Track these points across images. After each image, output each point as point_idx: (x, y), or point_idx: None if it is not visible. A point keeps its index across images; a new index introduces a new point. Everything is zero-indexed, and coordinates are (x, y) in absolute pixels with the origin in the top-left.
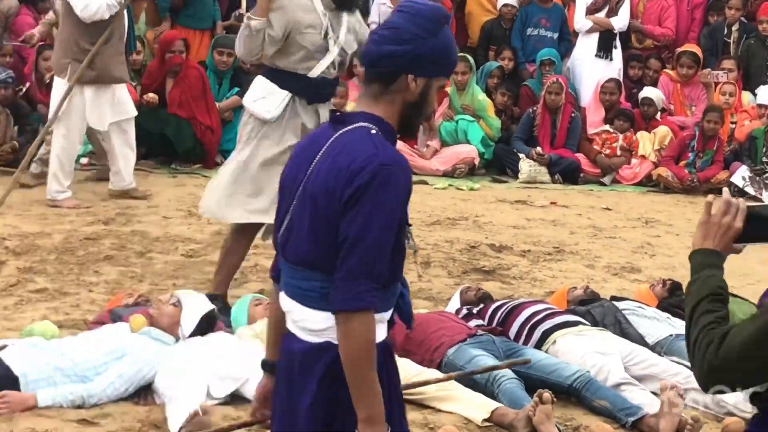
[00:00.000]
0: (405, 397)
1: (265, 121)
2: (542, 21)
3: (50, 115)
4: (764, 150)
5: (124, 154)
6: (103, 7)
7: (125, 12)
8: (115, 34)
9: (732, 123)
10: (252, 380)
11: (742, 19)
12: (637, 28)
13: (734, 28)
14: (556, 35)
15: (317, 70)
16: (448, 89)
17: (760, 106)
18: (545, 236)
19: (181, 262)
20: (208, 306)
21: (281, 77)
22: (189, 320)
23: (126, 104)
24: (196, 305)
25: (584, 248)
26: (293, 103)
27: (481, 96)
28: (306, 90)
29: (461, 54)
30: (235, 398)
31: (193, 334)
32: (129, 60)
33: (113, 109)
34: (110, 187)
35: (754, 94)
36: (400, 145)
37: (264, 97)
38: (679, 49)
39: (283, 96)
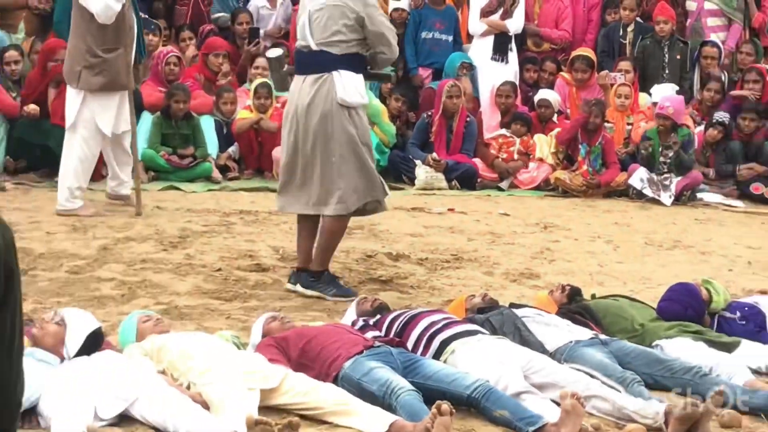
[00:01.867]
0: (301, 412)
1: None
2: (436, 24)
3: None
4: (660, 150)
5: (125, 161)
6: (111, 2)
7: (134, 22)
8: (125, 40)
9: (628, 124)
10: (142, 400)
11: (638, 19)
12: (534, 32)
13: (629, 29)
14: (450, 38)
15: None
16: None
17: (655, 104)
18: (443, 244)
19: (65, 279)
20: (94, 324)
21: (358, 64)
22: (74, 339)
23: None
24: (81, 323)
25: (483, 255)
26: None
27: (375, 101)
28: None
29: None
30: (123, 419)
31: (78, 354)
32: (139, 68)
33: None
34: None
35: (650, 94)
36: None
37: (355, 86)
38: (573, 54)
39: (361, 79)
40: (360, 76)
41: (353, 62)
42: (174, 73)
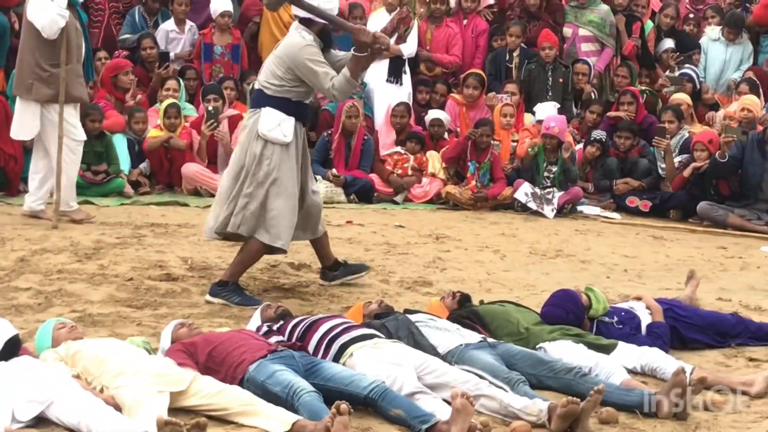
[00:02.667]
0: (208, 413)
1: (282, 146)
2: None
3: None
4: (545, 166)
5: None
6: (56, 17)
7: (83, 40)
8: (73, 57)
9: (513, 141)
10: (57, 403)
11: (523, 45)
12: (426, 57)
13: (515, 54)
14: None
15: (310, 96)
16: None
17: (539, 122)
18: (342, 254)
19: None
20: (11, 331)
21: (289, 106)
22: None
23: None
24: None
25: (379, 264)
26: (296, 127)
27: None
28: (303, 114)
29: None
30: (40, 421)
31: None
32: (88, 85)
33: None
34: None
35: (533, 113)
36: (193, 167)
37: (279, 125)
38: (466, 72)
39: (292, 122)
40: (289, 119)
41: (282, 104)
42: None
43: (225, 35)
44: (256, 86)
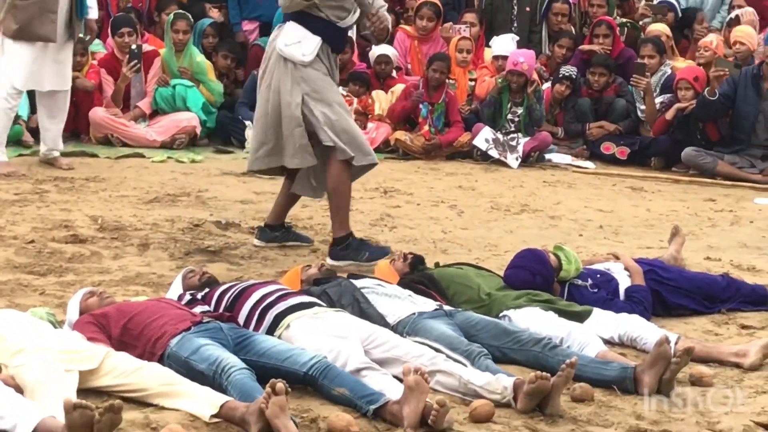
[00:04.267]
0: (124, 394)
1: (300, 65)
2: None
3: None
4: (509, 107)
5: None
6: None
7: None
8: None
9: (471, 80)
10: None
11: None
12: None
13: None
14: None
15: (348, 21)
16: (163, 51)
17: (495, 57)
18: None
19: None
20: None
21: (315, 24)
22: None
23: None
24: None
25: (318, 222)
26: (321, 50)
27: (200, 58)
28: (334, 38)
29: (180, 12)
30: None
31: None
32: (77, 26)
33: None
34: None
35: (489, 46)
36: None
37: (299, 42)
38: (419, 1)
39: (316, 41)
40: (314, 38)
41: (309, 20)
42: None
43: None
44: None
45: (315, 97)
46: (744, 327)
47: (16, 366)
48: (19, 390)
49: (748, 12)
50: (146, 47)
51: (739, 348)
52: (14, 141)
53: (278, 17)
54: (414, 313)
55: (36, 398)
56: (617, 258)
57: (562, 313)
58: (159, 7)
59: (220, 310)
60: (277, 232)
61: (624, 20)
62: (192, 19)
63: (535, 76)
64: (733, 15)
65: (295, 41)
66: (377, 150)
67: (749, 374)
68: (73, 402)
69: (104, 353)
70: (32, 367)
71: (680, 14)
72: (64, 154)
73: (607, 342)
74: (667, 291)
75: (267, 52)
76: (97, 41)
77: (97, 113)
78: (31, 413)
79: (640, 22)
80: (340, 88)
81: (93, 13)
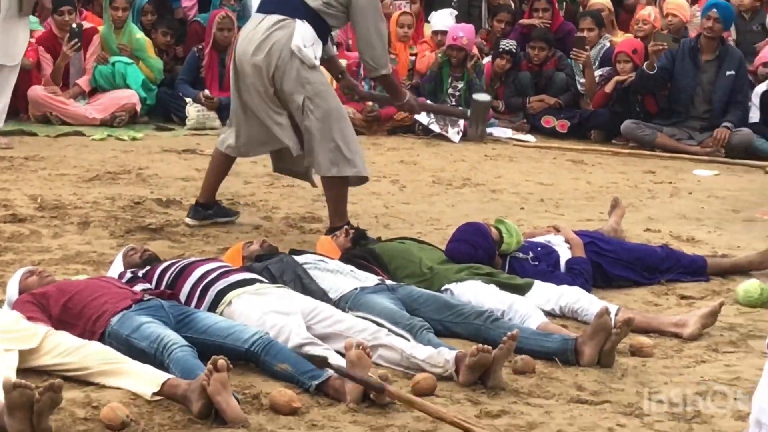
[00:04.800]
0: (64, 374)
1: (309, 66)
2: None
3: None
4: (450, 82)
5: None
6: None
7: None
8: None
9: (412, 55)
10: None
11: None
12: None
13: None
14: None
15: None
16: (102, 28)
17: (435, 33)
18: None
19: None
20: None
21: (323, 28)
22: None
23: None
24: None
25: (261, 199)
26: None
27: (139, 35)
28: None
29: None
30: None
31: None
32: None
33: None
34: None
35: (428, 22)
36: (40, 90)
37: (313, 45)
38: None
39: (321, 45)
40: (320, 42)
41: (319, 24)
42: None
43: None
44: None
45: (315, 101)
46: (683, 297)
47: None
48: None
49: None
50: (85, 25)
51: (678, 318)
52: None
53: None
54: (356, 288)
55: None
56: (558, 231)
57: (504, 286)
58: None
59: (162, 288)
60: (210, 209)
61: None
62: None
63: (475, 50)
64: None
65: (310, 43)
66: None
67: (689, 344)
68: (13, 381)
69: (44, 332)
70: None
71: None
72: (1, 133)
73: (549, 314)
74: (608, 263)
75: (264, 46)
76: (34, 18)
77: (36, 91)
78: None
79: None
80: None
81: None
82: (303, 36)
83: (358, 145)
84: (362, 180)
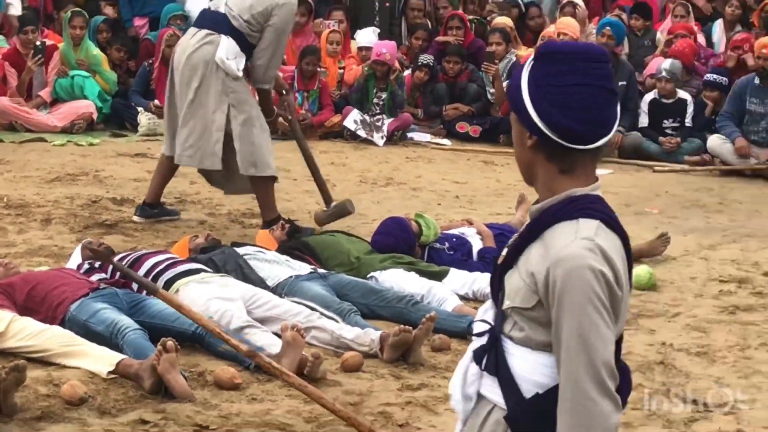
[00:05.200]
0: (28, 355)
1: (233, 77)
2: None
3: None
4: (374, 92)
5: None
6: None
7: None
8: None
9: (340, 68)
10: None
11: None
12: None
13: None
14: None
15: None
16: (62, 45)
17: (360, 48)
18: (167, 187)
19: None
20: None
21: (245, 44)
22: None
23: None
24: None
25: (205, 197)
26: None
27: (95, 51)
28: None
29: (77, 9)
30: None
31: None
32: None
33: None
34: None
35: (354, 38)
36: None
37: (236, 58)
38: None
39: (244, 59)
40: (243, 56)
41: (242, 40)
42: None
43: None
44: (216, 8)
45: (238, 108)
46: None
47: None
48: None
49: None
50: (47, 42)
51: None
52: None
53: (165, 15)
54: (291, 276)
55: None
56: (471, 223)
57: (423, 273)
58: (57, 6)
59: (116, 277)
60: (156, 209)
61: (471, 17)
62: (87, 16)
63: (396, 64)
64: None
65: (233, 56)
66: None
67: None
68: None
69: (10, 318)
70: None
71: (524, 9)
72: None
73: (463, 298)
74: None
75: (195, 57)
76: (1, 37)
77: (2, 102)
78: None
79: (490, 17)
80: None
81: (14, 9)
82: (227, 49)
83: (272, 148)
84: (274, 179)
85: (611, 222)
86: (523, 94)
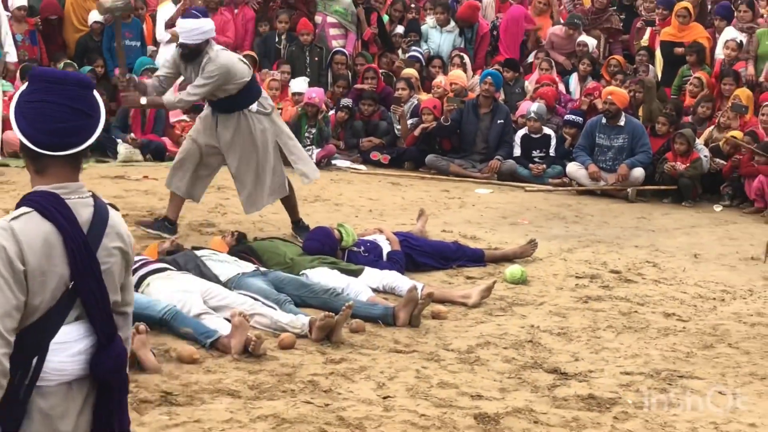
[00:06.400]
0: None
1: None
2: (126, 34)
3: None
4: (306, 128)
5: None
6: None
7: None
8: None
9: (279, 109)
10: None
11: (289, 31)
12: None
13: (283, 37)
14: (138, 44)
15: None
16: None
17: (294, 94)
18: (140, 203)
19: None
20: None
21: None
22: None
23: None
24: None
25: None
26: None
27: None
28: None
29: (69, 62)
30: None
31: None
32: None
33: None
34: None
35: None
36: (11, 133)
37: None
38: (239, 54)
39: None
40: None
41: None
42: None
43: (22, 24)
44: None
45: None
46: (468, 278)
47: None
48: None
49: (460, 57)
50: None
51: (464, 292)
52: None
53: (138, 66)
54: (239, 273)
55: None
56: (381, 231)
57: (343, 271)
58: (52, 58)
59: None
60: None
61: (383, 70)
62: (77, 67)
63: (323, 106)
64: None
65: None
66: None
67: (472, 310)
68: None
69: None
70: None
71: (424, 63)
72: None
73: (375, 290)
74: (416, 254)
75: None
76: (6, 82)
77: (8, 135)
78: None
79: (400, 70)
80: (184, 116)
81: (11, 57)
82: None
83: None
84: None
85: (46, 212)
86: (11, 107)
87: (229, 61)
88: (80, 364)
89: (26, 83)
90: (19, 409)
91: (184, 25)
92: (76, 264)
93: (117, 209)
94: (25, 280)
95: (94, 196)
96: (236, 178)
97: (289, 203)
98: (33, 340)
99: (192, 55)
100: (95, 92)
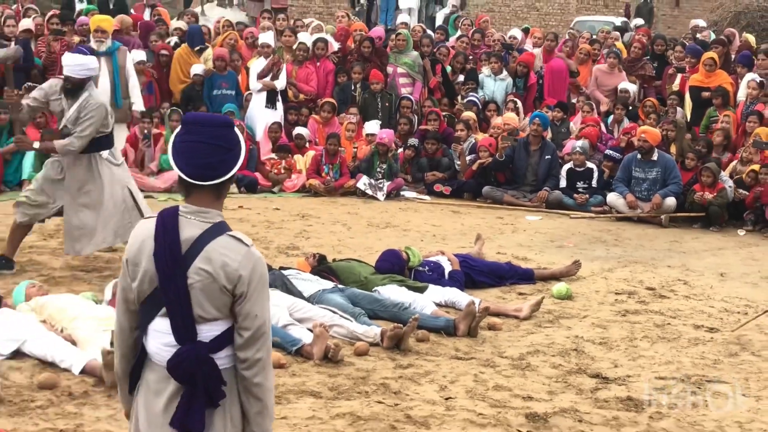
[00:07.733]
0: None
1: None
2: (223, 84)
3: None
4: (377, 164)
5: None
6: None
7: None
8: None
9: (354, 147)
10: (29, 341)
11: (363, 80)
12: (292, 83)
13: (358, 85)
14: (234, 92)
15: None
16: (165, 132)
17: (368, 135)
18: (236, 230)
19: None
20: None
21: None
22: None
23: None
24: None
25: (262, 236)
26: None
27: None
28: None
29: (174, 107)
30: (18, 354)
31: None
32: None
33: None
34: None
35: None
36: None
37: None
38: (321, 101)
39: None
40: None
41: None
42: None
43: (140, 77)
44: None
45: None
46: (520, 294)
47: (73, 328)
48: (74, 343)
49: (514, 102)
50: (153, 131)
51: (517, 306)
52: None
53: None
54: (320, 290)
55: (85, 348)
56: (443, 253)
57: (410, 288)
58: (160, 102)
59: None
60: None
61: (445, 112)
62: (182, 113)
63: (392, 145)
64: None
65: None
66: (298, 191)
67: (524, 322)
68: (107, 350)
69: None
70: (83, 329)
71: (481, 106)
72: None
73: (438, 305)
74: (474, 273)
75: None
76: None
77: None
78: (82, 357)
79: (460, 113)
80: (273, 154)
81: (137, 106)
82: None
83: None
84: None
85: (157, 220)
86: (169, 146)
87: (105, 102)
88: (171, 354)
89: (179, 126)
90: (137, 372)
91: (71, 60)
92: (159, 266)
93: (247, 245)
94: (127, 267)
95: (217, 224)
96: (68, 213)
97: (19, 236)
98: (142, 317)
99: (74, 90)
100: (236, 129)
